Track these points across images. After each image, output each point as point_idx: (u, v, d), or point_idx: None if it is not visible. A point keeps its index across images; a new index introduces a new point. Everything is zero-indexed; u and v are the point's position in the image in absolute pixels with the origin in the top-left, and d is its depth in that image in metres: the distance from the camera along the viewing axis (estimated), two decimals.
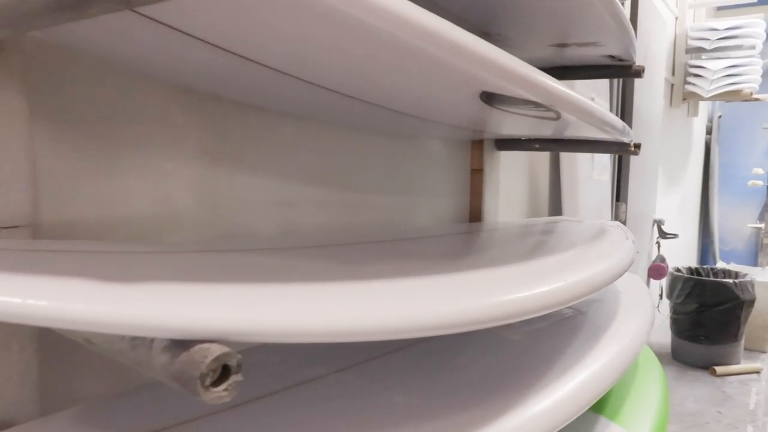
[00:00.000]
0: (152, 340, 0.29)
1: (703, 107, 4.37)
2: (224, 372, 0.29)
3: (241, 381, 0.29)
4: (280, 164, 0.85)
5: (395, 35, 0.35)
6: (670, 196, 3.59)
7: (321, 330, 0.29)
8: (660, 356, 3.14)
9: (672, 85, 3.32)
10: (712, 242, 4.55)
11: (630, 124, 2.20)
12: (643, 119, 2.41)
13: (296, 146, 0.88)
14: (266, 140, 0.82)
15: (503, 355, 0.78)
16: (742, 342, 2.96)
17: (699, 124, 4.29)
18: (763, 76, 3.60)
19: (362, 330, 0.30)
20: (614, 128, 0.84)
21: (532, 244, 1.03)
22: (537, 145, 1.32)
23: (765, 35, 3.28)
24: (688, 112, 3.82)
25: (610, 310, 1.09)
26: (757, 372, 2.83)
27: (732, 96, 3.34)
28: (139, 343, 0.29)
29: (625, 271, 0.92)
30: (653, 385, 1.18)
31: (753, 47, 3.17)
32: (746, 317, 2.90)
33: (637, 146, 1.20)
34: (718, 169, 4.66)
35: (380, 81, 0.56)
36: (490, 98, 0.54)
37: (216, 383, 0.28)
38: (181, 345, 0.28)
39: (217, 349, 0.28)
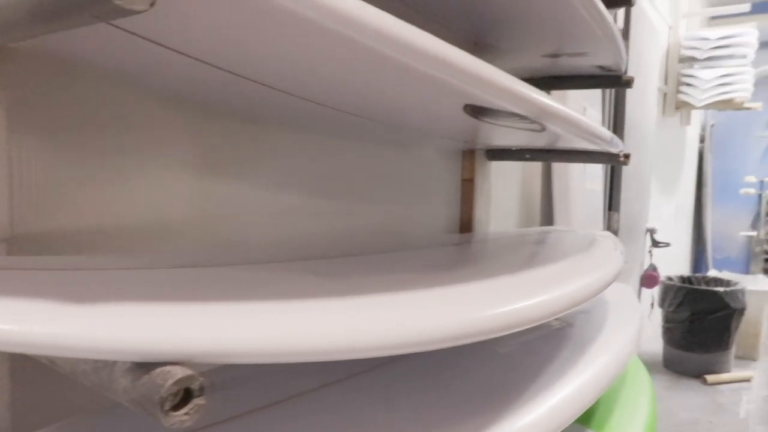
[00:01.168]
0: (114, 362, 0.29)
1: (696, 116, 4.38)
2: (186, 395, 0.28)
3: (204, 404, 0.29)
4: (272, 174, 0.85)
5: (367, 45, 0.35)
6: (663, 205, 3.60)
7: (283, 350, 0.29)
8: (653, 365, 3.14)
9: (665, 94, 3.33)
10: (705, 250, 4.57)
11: (622, 134, 2.20)
12: (636, 129, 2.41)
13: (288, 155, 0.88)
14: (257, 150, 0.82)
15: (490, 369, 0.78)
16: (733, 350, 2.97)
17: (692, 132, 4.30)
18: (755, 84, 3.62)
19: (328, 349, 0.30)
20: (601, 139, 0.84)
21: (521, 256, 1.03)
22: (528, 156, 1.32)
23: (757, 44, 3.30)
24: (681, 121, 3.84)
25: (598, 321, 1.08)
26: (748, 380, 2.83)
27: (724, 105, 3.36)
28: (102, 365, 0.29)
29: (611, 282, 0.92)
30: (641, 395, 1.18)
31: (745, 56, 3.18)
32: (737, 326, 2.91)
33: (627, 156, 1.20)
34: (711, 178, 4.68)
35: (366, 94, 0.56)
36: (474, 111, 0.54)
37: (178, 407, 0.28)
38: (143, 368, 0.28)
39: (178, 372, 0.27)
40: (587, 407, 0.75)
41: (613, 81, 1.19)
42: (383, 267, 0.78)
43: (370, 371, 0.72)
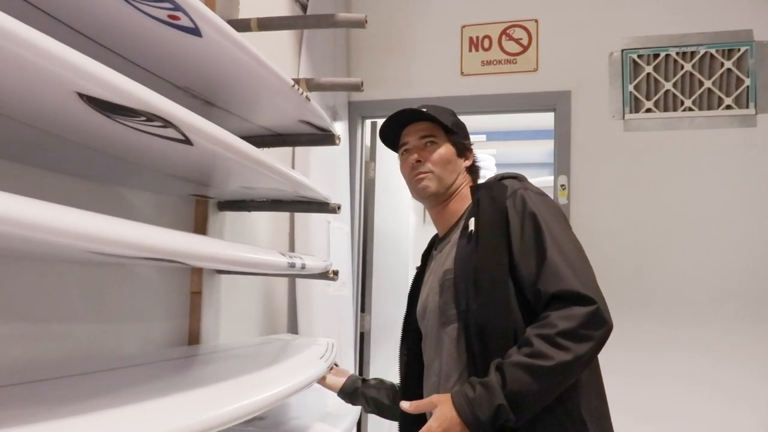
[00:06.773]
0: None
1: None
2: None
3: None
4: None
5: None
6: None
7: None
8: None
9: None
10: None
11: (372, 241, 2.46)
12: (389, 236, 2.71)
13: None
14: None
15: None
16: None
17: None
18: None
19: None
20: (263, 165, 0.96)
21: (221, 370, 1.08)
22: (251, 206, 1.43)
23: (495, 168, 3.96)
24: None
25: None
26: None
27: None
28: None
29: (300, 389, 1.01)
30: None
31: (484, 177, 3.79)
32: None
33: (339, 207, 1.37)
34: None
35: None
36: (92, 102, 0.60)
37: None
38: None
39: None
40: None
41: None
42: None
43: None
